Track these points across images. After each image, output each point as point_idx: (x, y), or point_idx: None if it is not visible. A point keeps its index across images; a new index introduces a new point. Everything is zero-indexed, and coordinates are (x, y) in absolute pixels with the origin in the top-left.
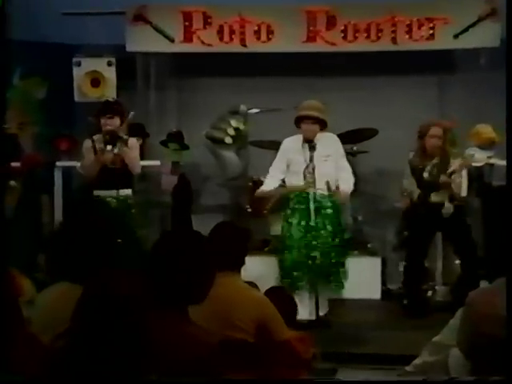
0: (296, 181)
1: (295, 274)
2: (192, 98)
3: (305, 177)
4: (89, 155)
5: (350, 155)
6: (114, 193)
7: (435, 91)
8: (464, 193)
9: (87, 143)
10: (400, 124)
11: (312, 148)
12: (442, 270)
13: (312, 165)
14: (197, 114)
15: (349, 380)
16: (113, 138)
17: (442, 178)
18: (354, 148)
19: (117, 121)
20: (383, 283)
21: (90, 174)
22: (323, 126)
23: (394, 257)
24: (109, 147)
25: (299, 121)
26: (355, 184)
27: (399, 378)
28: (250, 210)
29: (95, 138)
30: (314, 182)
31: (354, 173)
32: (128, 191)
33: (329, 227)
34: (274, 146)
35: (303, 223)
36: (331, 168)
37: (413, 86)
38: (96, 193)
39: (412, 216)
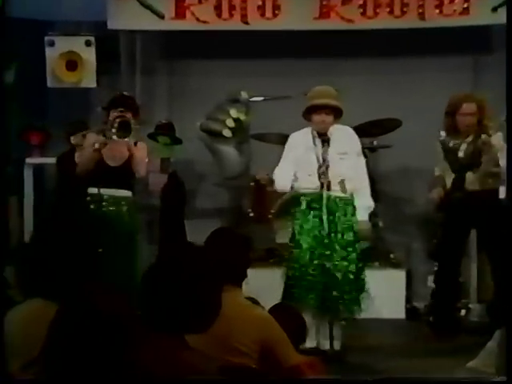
0: (308, 183)
1: (304, 291)
2: (185, 84)
3: (319, 177)
4: (88, 149)
5: (369, 151)
6: (112, 192)
7: (470, 75)
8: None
9: (91, 137)
10: (428, 114)
11: (326, 143)
12: (478, 285)
13: (326, 164)
14: (191, 102)
15: (349, 380)
16: (126, 127)
17: (484, 138)
18: (374, 142)
19: (128, 116)
20: (408, 300)
21: (86, 169)
22: (337, 116)
23: (422, 269)
24: (116, 137)
25: (310, 111)
26: (374, 184)
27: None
28: (252, 214)
29: (104, 127)
30: (328, 184)
31: (374, 171)
32: (128, 193)
33: (346, 235)
34: (281, 139)
35: (316, 230)
36: (348, 168)
37: (443, 69)
38: (90, 191)
39: (446, 209)
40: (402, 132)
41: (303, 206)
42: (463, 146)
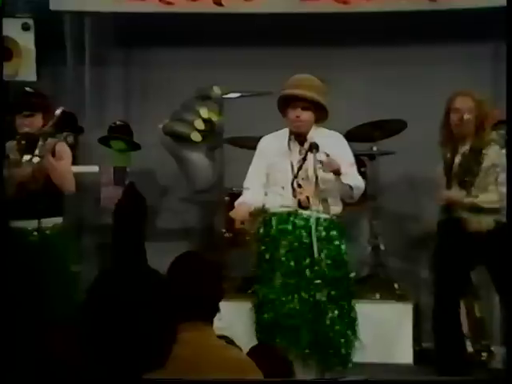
0: (280, 198)
1: (284, 332)
2: (145, 78)
3: (293, 190)
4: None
5: (368, 158)
6: (35, 224)
7: (488, 66)
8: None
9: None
10: (438, 114)
11: (304, 148)
12: (502, 323)
13: (304, 174)
14: (152, 99)
15: (349, 380)
16: (31, 144)
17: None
18: (374, 148)
19: (38, 120)
20: (416, 340)
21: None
22: (320, 115)
23: (432, 302)
24: (26, 157)
25: (284, 105)
26: (374, 198)
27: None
28: (227, 234)
29: (7, 145)
30: (305, 201)
31: (374, 183)
32: (56, 220)
33: (330, 267)
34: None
35: (291, 262)
36: (332, 181)
37: (457, 60)
38: (12, 224)
39: (441, 230)
40: (407, 136)
41: (273, 229)
42: (457, 158)
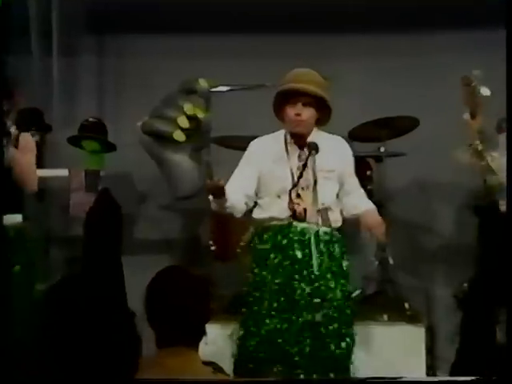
0: (275, 208)
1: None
2: (121, 69)
3: (291, 201)
4: None
5: (375, 160)
6: None
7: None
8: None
9: None
10: (453, 110)
11: (304, 152)
12: None
13: (305, 182)
14: (129, 93)
15: (349, 380)
16: None
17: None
18: (382, 149)
19: None
20: (430, 368)
21: None
22: (323, 115)
23: (448, 324)
24: None
25: (281, 102)
26: (381, 206)
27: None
28: (214, 247)
29: None
30: (302, 213)
31: (381, 188)
32: (17, 217)
33: (332, 288)
34: None
35: (286, 280)
36: (333, 191)
37: (473, 49)
38: None
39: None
40: (418, 135)
41: (266, 244)
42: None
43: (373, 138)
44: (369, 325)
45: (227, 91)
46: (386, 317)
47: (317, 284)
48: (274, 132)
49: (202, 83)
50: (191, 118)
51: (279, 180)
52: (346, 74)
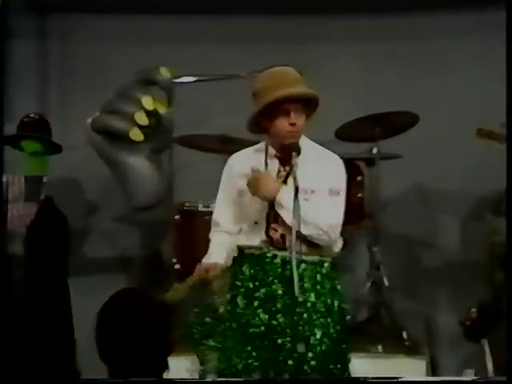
0: (251, 236)
1: None
2: (67, 56)
3: (268, 226)
4: None
5: (366, 163)
6: None
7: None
8: None
9: None
10: (456, 106)
11: (285, 169)
12: None
13: (281, 204)
14: (77, 84)
15: (349, 379)
16: None
17: None
18: (374, 150)
19: None
20: None
21: None
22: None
23: (453, 357)
24: None
25: (270, 112)
26: (373, 216)
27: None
28: (178, 266)
29: None
30: (280, 240)
31: (373, 195)
32: None
33: (320, 305)
34: (224, 146)
35: (268, 310)
36: (317, 212)
37: (478, 33)
38: None
39: None
40: (418, 133)
41: (245, 274)
42: None
43: (364, 137)
44: (361, 357)
45: (193, 82)
46: (380, 347)
47: (301, 328)
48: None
49: (164, 72)
50: (150, 114)
51: (256, 201)
52: (332, 62)
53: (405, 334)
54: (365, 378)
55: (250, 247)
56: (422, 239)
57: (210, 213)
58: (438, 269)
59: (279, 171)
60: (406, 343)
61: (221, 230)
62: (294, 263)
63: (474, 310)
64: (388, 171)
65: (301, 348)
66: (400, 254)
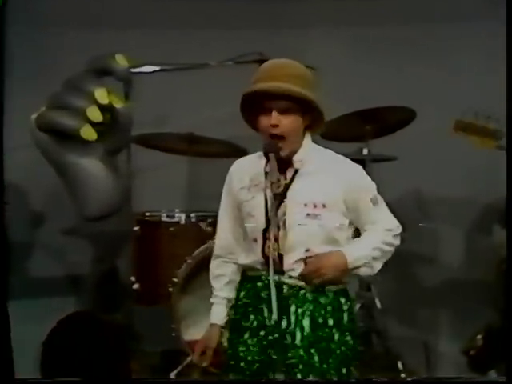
0: (251, 253)
1: None
2: (10, 42)
3: (264, 244)
4: None
5: (361, 165)
6: None
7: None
8: None
9: None
10: (456, 102)
11: (285, 179)
12: None
13: (283, 217)
14: (17, 73)
15: (349, 380)
16: None
17: None
18: (365, 151)
19: None
20: None
21: None
22: (314, 119)
23: None
24: None
25: (253, 109)
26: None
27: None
28: (137, 285)
29: None
30: (278, 261)
31: None
32: None
33: (321, 358)
34: (190, 146)
35: (263, 349)
36: (324, 233)
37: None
38: None
39: None
40: (414, 132)
41: (240, 302)
42: None
43: (352, 136)
44: None
45: (155, 72)
46: (373, 379)
47: (296, 370)
48: (226, 125)
49: (120, 61)
50: (105, 109)
51: (255, 216)
52: (314, 50)
53: (400, 364)
54: (365, 379)
55: (249, 268)
56: (420, 254)
57: (175, 223)
58: (437, 288)
59: (278, 181)
60: (402, 375)
61: (230, 260)
62: (273, 284)
63: (479, 336)
64: (380, 175)
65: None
66: (394, 271)
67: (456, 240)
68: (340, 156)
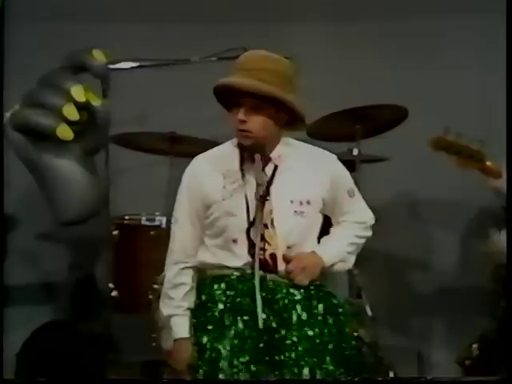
0: (228, 257)
1: None
2: None
3: (249, 244)
4: None
5: (347, 166)
6: None
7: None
8: None
9: None
10: (455, 95)
11: (266, 175)
12: None
13: (269, 216)
14: None
15: (349, 380)
16: None
17: None
18: (355, 151)
19: None
20: None
21: None
22: (291, 118)
23: None
24: None
25: (228, 102)
26: None
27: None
28: (115, 292)
29: None
30: (267, 262)
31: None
32: None
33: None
34: (171, 146)
35: (249, 350)
36: (309, 232)
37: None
38: None
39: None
40: (407, 131)
41: (219, 303)
42: None
43: (342, 135)
44: None
45: (134, 68)
46: None
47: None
48: (207, 125)
49: (98, 56)
50: (82, 107)
51: (234, 216)
52: (301, 45)
53: (392, 374)
54: (365, 379)
55: (228, 268)
56: (413, 259)
57: (156, 227)
58: (431, 295)
59: (259, 176)
60: None
61: (189, 264)
62: (257, 286)
63: (475, 346)
64: (371, 177)
65: None
66: (386, 277)
67: (450, 245)
68: (315, 148)
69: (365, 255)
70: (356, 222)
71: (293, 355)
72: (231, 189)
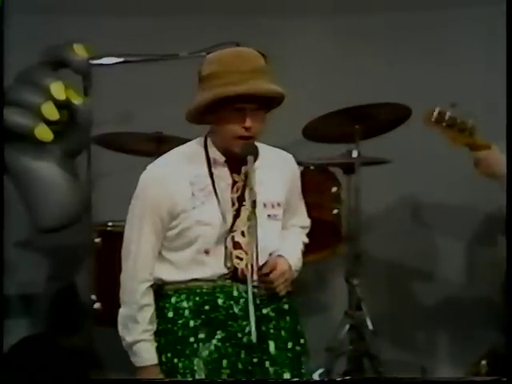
0: (199, 267)
1: None
2: None
3: (226, 254)
4: None
5: (344, 170)
6: None
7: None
8: None
9: None
10: (458, 91)
11: (240, 178)
12: None
13: (243, 223)
14: None
15: (349, 380)
16: None
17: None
18: (354, 154)
19: None
20: None
21: None
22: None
23: None
24: None
25: (222, 108)
26: (352, 240)
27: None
28: (98, 304)
29: None
30: (245, 272)
31: (353, 214)
32: None
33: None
34: (158, 147)
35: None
36: (280, 232)
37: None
38: None
39: None
40: (409, 132)
41: (190, 320)
42: None
43: (340, 136)
44: None
45: (117, 64)
46: None
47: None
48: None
49: (79, 51)
50: (62, 106)
51: (206, 226)
52: (298, 40)
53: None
54: (365, 379)
55: (199, 280)
56: (416, 268)
57: None
58: (435, 307)
59: (234, 182)
60: None
61: (151, 282)
62: (251, 297)
63: (484, 362)
64: (371, 180)
65: None
66: (387, 288)
67: (456, 252)
68: (274, 148)
69: (365, 265)
70: (301, 226)
71: (271, 369)
72: (201, 196)
